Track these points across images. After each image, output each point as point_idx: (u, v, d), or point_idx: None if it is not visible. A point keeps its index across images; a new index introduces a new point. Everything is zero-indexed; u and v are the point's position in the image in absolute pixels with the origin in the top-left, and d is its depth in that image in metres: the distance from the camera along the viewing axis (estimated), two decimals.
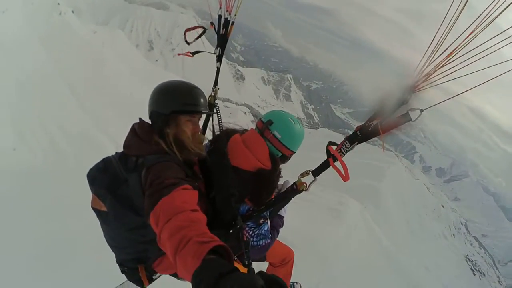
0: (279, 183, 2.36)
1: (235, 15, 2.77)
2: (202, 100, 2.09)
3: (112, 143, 6.40)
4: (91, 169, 2.01)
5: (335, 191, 15.34)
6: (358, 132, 1.83)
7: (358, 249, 8.30)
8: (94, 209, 2.04)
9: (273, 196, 2.28)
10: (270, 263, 3.23)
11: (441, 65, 1.49)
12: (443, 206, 77.17)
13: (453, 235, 71.37)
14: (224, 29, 2.82)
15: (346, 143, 1.86)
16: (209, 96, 2.78)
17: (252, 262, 1.99)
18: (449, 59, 1.45)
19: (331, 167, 1.93)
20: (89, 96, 7.35)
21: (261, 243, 2.25)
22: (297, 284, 3.85)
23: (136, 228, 1.92)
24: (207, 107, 2.17)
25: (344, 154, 1.89)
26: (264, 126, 2.34)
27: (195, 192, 1.73)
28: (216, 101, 2.83)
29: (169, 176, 1.70)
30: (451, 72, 1.46)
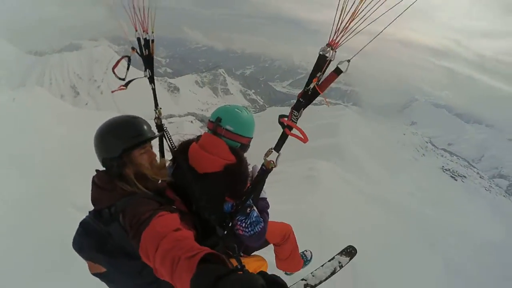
0: (249, 170, 2.40)
1: (153, 32, 2.74)
2: (145, 127, 2.08)
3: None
4: (74, 238, 1.97)
5: (302, 161, 15.69)
6: (300, 99, 1.93)
7: (346, 204, 8.50)
8: (95, 274, 2.01)
9: (249, 184, 2.32)
10: (274, 245, 3.33)
11: (353, 17, 1.66)
12: (404, 134, 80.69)
13: (423, 154, 74.61)
14: (146, 50, 2.80)
15: (294, 112, 1.96)
16: (155, 118, 2.85)
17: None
18: (359, 9, 1.62)
19: (290, 136, 2.02)
20: (30, 166, 7.00)
21: (256, 230, 2.27)
22: (307, 251, 4.01)
23: (140, 271, 1.89)
24: (153, 131, 2.15)
25: (296, 122, 1.98)
26: (215, 124, 2.39)
27: (173, 215, 1.77)
28: (162, 122, 2.89)
29: (143, 212, 1.73)
30: (365, 19, 1.62)
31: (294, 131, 1.99)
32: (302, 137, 1.90)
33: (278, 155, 2.12)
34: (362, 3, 1.60)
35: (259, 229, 2.27)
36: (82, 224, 1.99)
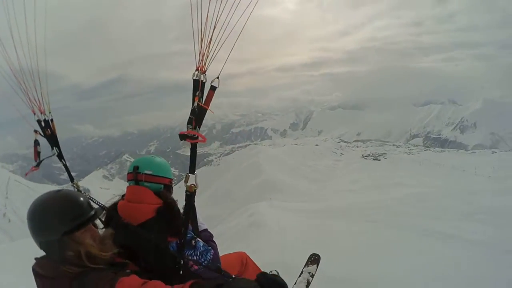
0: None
1: (50, 112, 2.88)
2: (85, 203, 1.91)
3: None
4: None
5: (240, 210, 15.63)
6: (190, 116, 2.11)
7: (297, 229, 8.54)
8: None
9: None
10: (237, 275, 3.26)
11: (209, 48, 2.10)
12: (316, 145, 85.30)
13: (341, 153, 78.84)
14: (48, 129, 2.90)
15: (188, 125, 2.12)
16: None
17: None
18: (213, 43, 2.09)
19: (193, 150, 2.18)
20: None
21: (209, 257, 2.33)
22: (272, 271, 3.96)
23: None
24: (93, 207, 1.99)
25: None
26: (134, 173, 2.48)
27: (132, 276, 1.73)
28: (84, 193, 2.95)
29: (101, 286, 1.66)
30: (219, 48, 2.09)
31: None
32: (202, 139, 2.11)
33: (195, 176, 2.19)
34: (217, 36, 2.07)
35: (211, 256, 2.34)
36: None
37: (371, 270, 4.81)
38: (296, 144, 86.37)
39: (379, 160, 69.35)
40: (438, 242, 5.65)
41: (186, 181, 2.20)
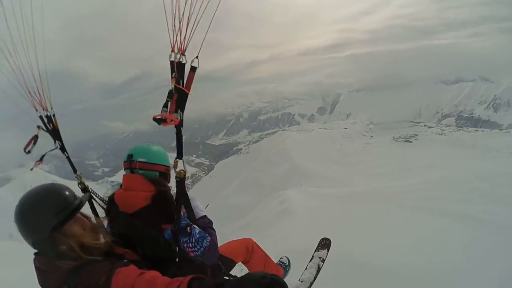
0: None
1: (52, 108, 2.97)
2: (68, 194, 1.86)
3: None
4: None
5: (270, 197, 15.69)
6: (167, 98, 2.04)
7: (328, 215, 8.44)
8: None
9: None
10: (243, 263, 3.29)
11: (184, 32, 2.03)
12: (345, 128, 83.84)
13: (371, 136, 77.04)
14: (51, 124, 3.00)
15: (164, 108, 2.04)
16: (78, 184, 2.97)
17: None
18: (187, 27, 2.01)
19: (179, 135, 2.13)
20: None
21: (205, 244, 2.31)
22: (283, 258, 4.01)
23: None
24: (77, 196, 1.94)
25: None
26: (128, 162, 2.47)
27: (130, 266, 1.71)
28: (86, 184, 3.00)
29: (98, 277, 1.64)
30: (195, 26, 2.01)
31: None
32: (174, 121, 2.02)
33: (183, 161, 2.18)
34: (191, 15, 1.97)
35: (207, 243, 2.32)
36: None
37: (406, 259, 4.69)
38: (325, 129, 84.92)
39: (411, 141, 67.06)
40: (472, 228, 5.45)
41: (175, 167, 2.18)
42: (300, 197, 12.51)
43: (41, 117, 2.97)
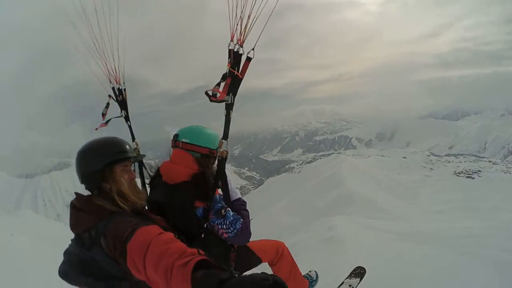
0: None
1: (124, 83, 3.36)
2: (128, 147, 2.19)
3: None
4: (59, 268, 1.97)
5: (318, 222, 15.25)
6: (221, 80, 2.27)
7: (377, 252, 7.96)
8: None
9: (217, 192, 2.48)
10: (270, 264, 3.34)
11: (247, 24, 2.23)
12: (404, 158, 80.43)
13: (431, 169, 73.34)
14: (120, 96, 3.37)
15: (216, 86, 2.26)
16: (134, 150, 3.05)
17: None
18: (247, 20, 2.22)
19: (227, 117, 2.37)
20: None
21: (238, 227, 2.38)
22: (311, 272, 3.92)
23: None
24: (134, 153, 2.27)
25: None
26: (173, 141, 2.69)
27: (154, 225, 1.81)
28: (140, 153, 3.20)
29: (124, 229, 1.75)
30: (256, 19, 2.21)
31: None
32: (221, 95, 2.24)
33: (227, 142, 2.39)
34: (252, 9, 2.17)
35: (240, 225, 2.39)
36: (66, 253, 1.98)
37: None
38: (382, 156, 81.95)
39: (473, 178, 62.06)
40: None
41: (219, 147, 2.41)
42: (350, 226, 12.01)
43: (113, 88, 3.35)
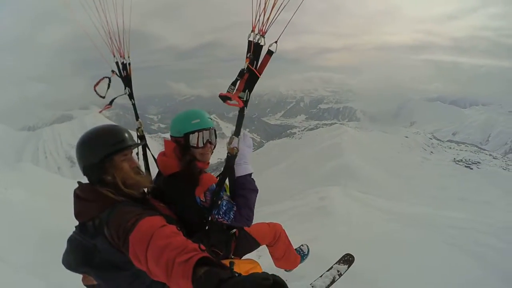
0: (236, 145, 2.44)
1: (128, 57, 3.18)
2: (127, 135, 2.14)
3: None
4: (63, 256, 2.00)
5: (311, 190, 15.43)
6: (237, 77, 2.13)
7: (366, 228, 8.06)
8: (87, 286, 2.10)
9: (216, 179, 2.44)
10: (267, 246, 3.42)
11: (271, 11, 2.00)
12: (406, 137, 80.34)
13: (431, 152, 73.59)
14: (124, 71, 3.19)
15: (231, 86, 2.13)
16: (137, 129, 3.15)
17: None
18: (272, 9, 1.99)
19: (241, 114, 2.28)
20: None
21: (231, 216, 2.37)
22: (303, 246, 4.01)
23: (131, 283, 1.92)
24: (134, 141, 2.21)
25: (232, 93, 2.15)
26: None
27: (158, 216, 1.81)
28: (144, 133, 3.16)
29: (128, 219, 1.74)
30: (281, 9, 2.00)
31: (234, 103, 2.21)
32: (238, 103, 2.15)
33: (239, 140, 2.36)
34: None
35: (233, 215, 2.38)
36: (69, 241, 1.99)
37: None
38: (385, 132, 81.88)
39: (472, 168, 62.81)
40: None
41: (229, 143, 2.35)
42: (342, 199, 12.12)
43: (117, 63, 3.17)
